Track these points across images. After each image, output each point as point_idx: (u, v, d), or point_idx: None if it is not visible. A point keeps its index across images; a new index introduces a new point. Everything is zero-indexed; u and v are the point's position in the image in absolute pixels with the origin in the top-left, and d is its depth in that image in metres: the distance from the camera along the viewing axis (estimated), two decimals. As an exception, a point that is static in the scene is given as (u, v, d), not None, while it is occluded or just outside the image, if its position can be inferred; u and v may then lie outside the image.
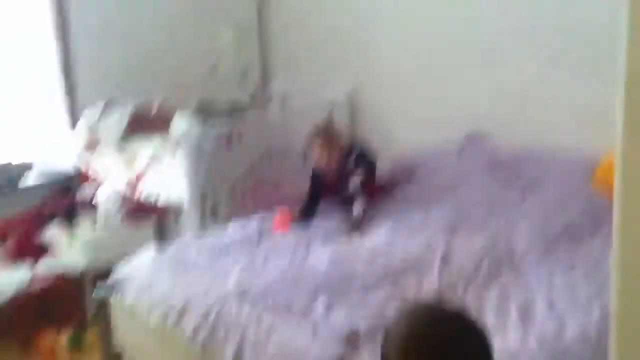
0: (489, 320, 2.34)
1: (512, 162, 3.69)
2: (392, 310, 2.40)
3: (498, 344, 2.16)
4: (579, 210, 3.18)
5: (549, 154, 3.63)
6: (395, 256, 2.84)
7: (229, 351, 2.41)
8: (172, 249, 3.19)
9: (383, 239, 3.04)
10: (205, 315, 2.55)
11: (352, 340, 2.26)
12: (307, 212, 3.57)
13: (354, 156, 3.61)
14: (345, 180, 3.51)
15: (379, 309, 2.43)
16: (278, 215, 3.50)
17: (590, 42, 3.48)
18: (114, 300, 2.98)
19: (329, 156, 3.59)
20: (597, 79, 3.35)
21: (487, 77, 3.91)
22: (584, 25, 3.49)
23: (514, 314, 2.37)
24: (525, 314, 2.37)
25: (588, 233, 3.02)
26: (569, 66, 3.57)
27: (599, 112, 3.42)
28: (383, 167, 3.79)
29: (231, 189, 4.07)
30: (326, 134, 3.66)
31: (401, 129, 4.25)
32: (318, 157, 3.62)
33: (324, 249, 3.09)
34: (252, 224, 3.43)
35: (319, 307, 2.43)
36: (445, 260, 2.79)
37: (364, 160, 3.63)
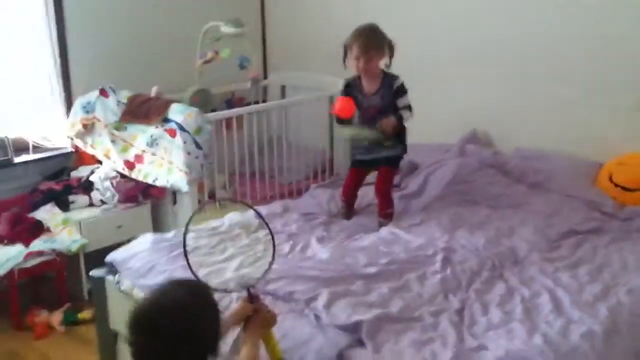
0: (492, 318, 2.31)
1: (516, 162, 3.68)
2: (395, 305, 2.37)
3: (503, 342, 2.15)
4: (583, 210, 3.17)
5: (552, 155, 3.63)
6: (398, 251, 2.81)
7: (229, 339, 2.37)
8: (171, 233, 3.13)
9: (385, 234, 3.01)
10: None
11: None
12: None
13: (398, 84, 3.15)
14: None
15: (382, 302, 2.40)
16: (340, 100, 3.12)
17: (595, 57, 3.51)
18: (109, 283, 2.93)
19: (369, 66, 3.08)
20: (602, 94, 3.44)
21: (492, 80, 3.91)
22: (589, 40, 3.51)
23: (518, 312, 2.35)
24: (530, 313, 2.35)
25: (592, 232, 3.02)
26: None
27: (602, 124, 3.48)
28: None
29: (229, 176, 4.04)
30: (372, 37, 3.09)
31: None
32: (356, 66, 3.12)
33: (325, 238, 3.05)
34: (250, 211, 3.37)
35: (321, 299, 2.38)
36: (447, 256, 2.76)
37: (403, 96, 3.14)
